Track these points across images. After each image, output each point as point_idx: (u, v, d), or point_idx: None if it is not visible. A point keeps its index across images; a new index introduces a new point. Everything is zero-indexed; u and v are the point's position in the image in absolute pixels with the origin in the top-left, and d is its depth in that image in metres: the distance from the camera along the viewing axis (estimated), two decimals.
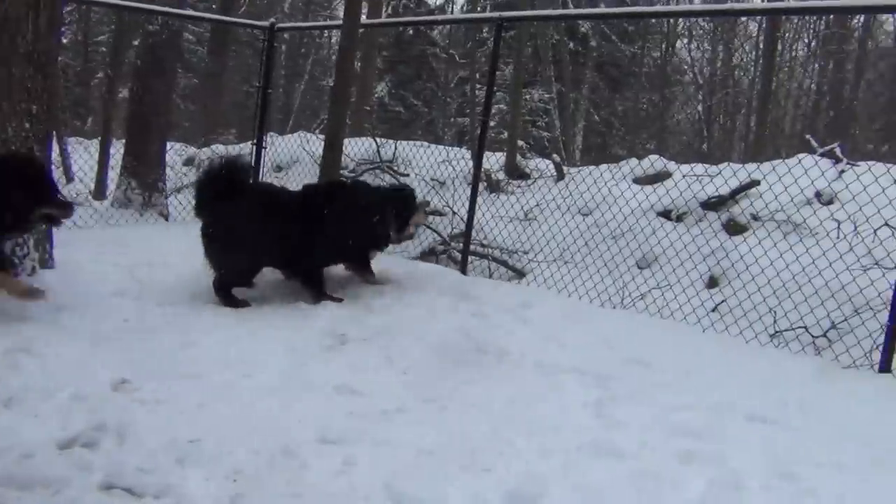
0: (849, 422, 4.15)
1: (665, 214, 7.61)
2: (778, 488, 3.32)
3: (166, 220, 8.89)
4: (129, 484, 2.78)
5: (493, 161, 10.06)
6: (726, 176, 7.46)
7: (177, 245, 6.93)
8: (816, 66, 28.20)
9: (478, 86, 18.82)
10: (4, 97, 4.98)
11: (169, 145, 10.37)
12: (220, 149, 12.47)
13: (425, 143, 11.16)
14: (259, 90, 9.10)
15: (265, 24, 9.06)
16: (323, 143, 7.95)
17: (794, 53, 29.08)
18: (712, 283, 6.69)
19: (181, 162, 12.28)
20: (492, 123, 16.98)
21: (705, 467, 3.49)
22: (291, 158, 11.02)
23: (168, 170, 9.63)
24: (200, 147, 13.59)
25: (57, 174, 7.94)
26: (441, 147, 10.99)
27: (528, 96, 22.54)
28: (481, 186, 7.95)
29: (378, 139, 10.64)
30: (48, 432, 3.09)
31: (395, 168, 9.91)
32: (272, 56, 9.17)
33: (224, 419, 3.49)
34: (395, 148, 10.28)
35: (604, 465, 3.37)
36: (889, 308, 5.15)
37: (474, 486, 3.08)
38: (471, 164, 8.82)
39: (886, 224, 6.09)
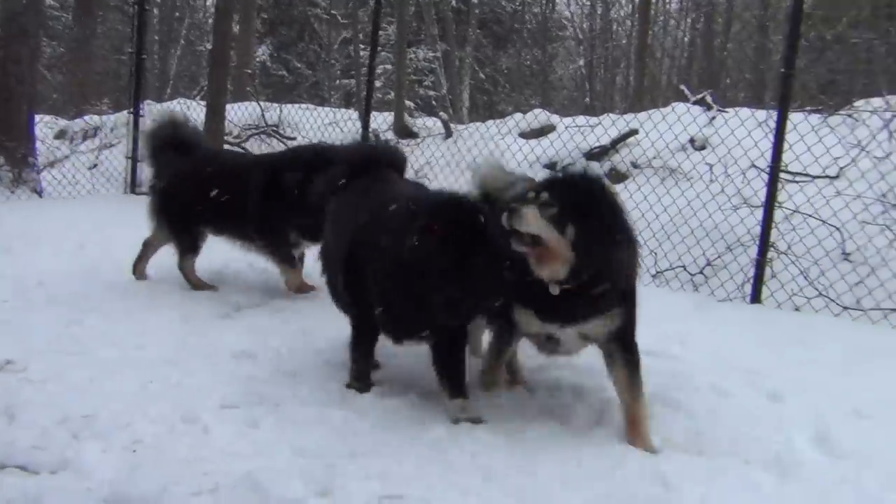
0: (723, 348, 4.48)
1: (551, 166, 7.82)
2: (660, 414, 3.56)
3: (40, 196, 8.46)
4: (22, 461, 2.71)
5: (381, 121, 10.04)
6: (606, 126, 7.74)
7: (52, 222, 6.62)
8: (688, 19, 29.26)
9: (361, 46, 18.60)
10: None
11: (38, 118, 9.82)
12: (94, 119, 11.87)
13: (311, 106, 11.01)
14: (132, 56, 8.72)
15: None
16: (205, 109, 7.74)
17: (668, 7, 30.02)
18: None
19: (52, 135, 11.64)
20: (378, 84, 16.81)
21: (597, 401, 3.70)
22: None
23: (38, 144, 9.14)
24: (72, 119, 12.89)
25: None
26: (327, 109, 10.87)
27: (413, 55, 22.43)
28: None
29: (262, 103, 10.41)
30: None
31: (282, 132, 9.75)
32: (144, 20, 8.77)
33: (118, 392, 3.41)
34: (281, 112, 10.11)
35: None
36: (757, 243, 5.56)
37: None
38: (359, 125, 8.79)
39: (753, 165, 6.51)
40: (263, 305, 5.01)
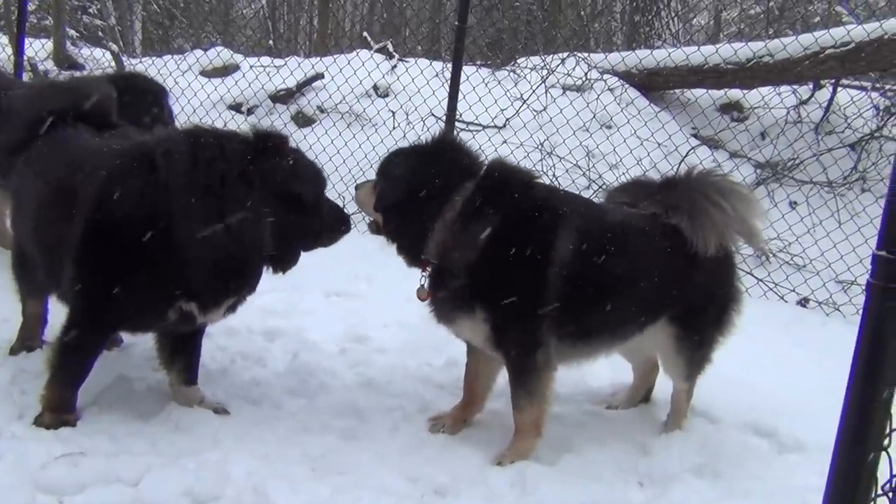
0: (407, 289, 4.75)
1: (236, 108, 7.57)
2: (352, 349, 3.72)
3: None
4: None
5: (39, 48, 8.89)
6: (292, 68, 7.66)
7: None
8: None
9: None
10: None
11: None
12: None
13: None
14: None
15: None
16: None
17: None
18: None
19: None
20: (32, 7, 14.84)
21: (289, 342, 3.76)
22: None
23: None
24: None
25: None
26: None
27: None
28: (26, 77, 7.05)
29: None
30: None
31: None
32: None
33: None
34: None
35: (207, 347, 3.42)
36: None
37: None
38: (9, 51, 7.75)
39: (432, 114, 6.89)
40: None
